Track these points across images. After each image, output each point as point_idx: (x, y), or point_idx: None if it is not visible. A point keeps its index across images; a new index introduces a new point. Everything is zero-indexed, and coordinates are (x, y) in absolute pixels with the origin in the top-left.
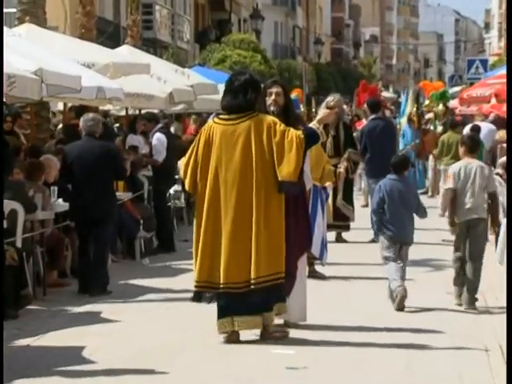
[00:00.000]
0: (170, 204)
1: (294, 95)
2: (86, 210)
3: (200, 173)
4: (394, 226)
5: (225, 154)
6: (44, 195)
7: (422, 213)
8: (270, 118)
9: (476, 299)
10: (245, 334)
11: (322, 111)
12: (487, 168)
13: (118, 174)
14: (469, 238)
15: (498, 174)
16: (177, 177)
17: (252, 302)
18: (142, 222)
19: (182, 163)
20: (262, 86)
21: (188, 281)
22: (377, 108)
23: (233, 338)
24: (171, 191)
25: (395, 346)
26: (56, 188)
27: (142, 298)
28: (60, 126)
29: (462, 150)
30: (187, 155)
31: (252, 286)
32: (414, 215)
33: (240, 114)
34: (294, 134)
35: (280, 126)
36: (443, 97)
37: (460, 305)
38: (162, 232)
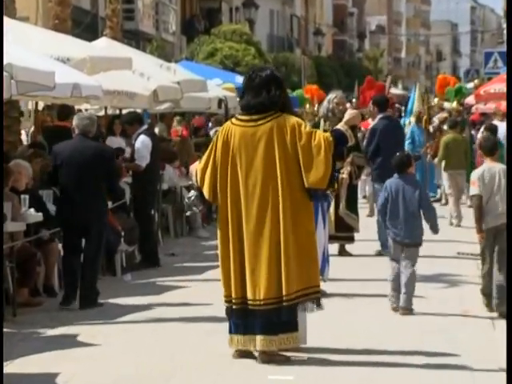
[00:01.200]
0: (189, 212)
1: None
2: (74, 214)
3: (220, 179)
4: (396, 227)
5: (245, 158)
6: (13, 204)
7: (430, 212)
8: (294, 119)
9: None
10: (239, 359)
11: (349, 112)
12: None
13: (111, 178)
14: (497, 246)
15: None
16: (190, 182)
17: (280, 321)
18: (123, 233)
19: (197, 168)
20: None
21: (175, 298)
22: (386, 106)
23: (243, 353)
24: (186, 198)
25: (405, 372)
26: (27, 196)
27: (123, 318)
28: (32, 128)
29: (479, 153)
30: (203, 160)
31: (284, 303)
32: (421, 215)
33: (261, 115)
34: (321, 136)
35: (306, 128)
36: (459, 93)
37: (492, 310)
38: (145, 245)
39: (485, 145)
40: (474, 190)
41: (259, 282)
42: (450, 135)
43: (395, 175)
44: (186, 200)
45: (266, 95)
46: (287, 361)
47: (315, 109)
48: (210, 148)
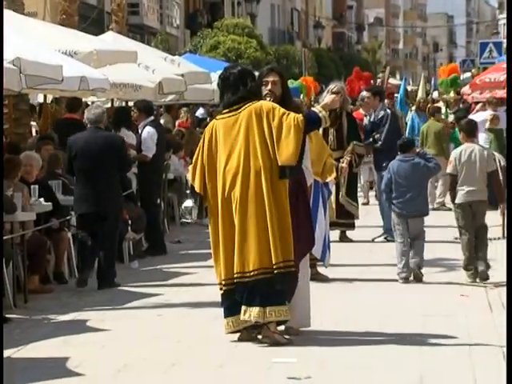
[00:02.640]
0: (182, 220)
1: (296, 84)
2: (90, 202)
3: (208, 173)
4: (401, 202)
5: (229, 145)
6: (23, 194)
7: (435, 169)
8: (269, 103)
9: (488, 275)
10: (243, 344)
11: (328, 96)
12: (487, 150)
13: (123, 167)
14: (476, 217)
15: None
16: (188, 192)
17: (271, 291)
18: (130, 222)
19: (189, 168)
20: (258, 74)
21: (181, 285)
22: (384, 96)
23: (247, 336)
24: (183, 207)
25: (406, 354)
26: (37, 187)
27: (131, 304)
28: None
29: (461, 135)
30: (194, 159)
31: (275, 271)
32: (424, 189)
33: (240, 105)
34: (292, 116)
35: (279, 110)
36: (454, 83)
37: (475, 282)
38: (151, 233)
39: (466, 128)
40: (449, 168)
41: (248, 255)
42: (429, 122)
43: (398, 156)
44: (182, 208)
45: (243, 88)
46: (290, 343)
47: (311, 100)
48: (199, 146)
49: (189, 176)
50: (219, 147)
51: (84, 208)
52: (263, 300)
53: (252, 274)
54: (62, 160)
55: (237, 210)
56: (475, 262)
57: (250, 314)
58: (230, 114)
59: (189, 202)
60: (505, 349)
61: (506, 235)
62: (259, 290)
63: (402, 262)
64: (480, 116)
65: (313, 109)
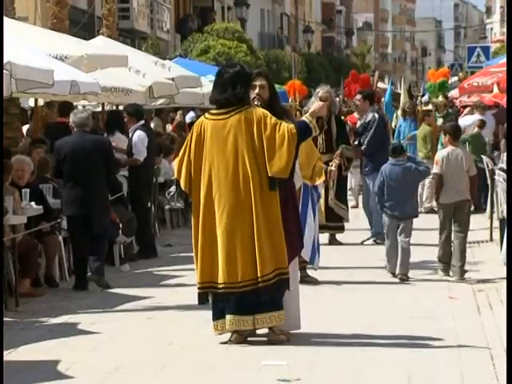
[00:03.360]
0: (168, 207)
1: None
2: (76, 205)
3: (193, 170)
4: (392, 204)
5: (216, 149)
6: (14, 198)
7: (425, 172)
8: (260, 111)
9: (465, 271)
10: (234, 346)
11: (315, 103)
12: (469, 154)
13: (110, 169)
14: (455, 217)
15: (502, 169)
16: (173, 178)
17: (259, 301)
18: (121, 225)
19: (175, 161)
20: None
21: (171, 287)
22: (374, 100)
23: (239, 339)
24: (166, 193)
25: (395, 356)
26: (28, 190)
27: (122, 307)
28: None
29: (446, 138)
30: (180, 153)
31: (260, 284)
32: (415, 192)
33: (229, 108)
34: (285, 127)
35: (271, 119)
36: (442, 88)
37: (449, 275)
38: (142, 236)
39: (451, 131)
40: (436, 168)
41: (236, 266)
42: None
43: (390, 160)
44: (166, 195)
45: (230, 91)
46: (289, 340)
47: (297, 104)
48: (185, 142)
49: (175, 169)
50: (206, 147)
51: (71, 210)
52: (252, 309)
53: (241, 284)
54: (51, 164)
55: (223, 216)
56: (449, 258)
57: (239, 323)
58: (219, 117)
59: (173, 188)
60: (493, 351)
61: (493, 238)
62: (247, 299)
63: (391, 261)
64: (468, 120)
65: (302, 118)
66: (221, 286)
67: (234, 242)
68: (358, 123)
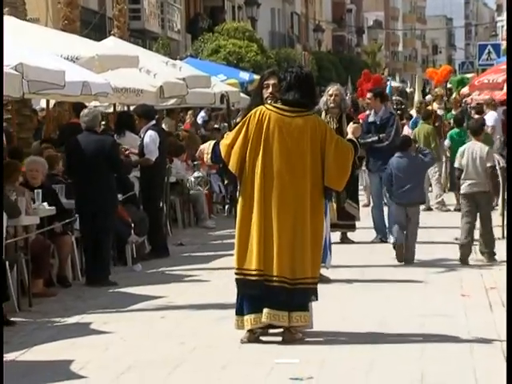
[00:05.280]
0: (191, 192)
1: None
2: (84, 203)
3: (249, 155)
4: (400, 193)
5: (278, 143)
6: (24, 198)
7: (429, 162)
8: (323, 121)
9: (495, 253)
10: (246, 345)
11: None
12: (487, 147)
13: (114, 168)
14: (478, 207)
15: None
16: (195, 163)
17: (292, 299)
18: (133, 225)
19: (222, 144)
20: (259, 77)
21: (183, 287)
22: (385, 98)
23: (251, 338)
24: (192, 178)
25: (407, 354)
26: (40, 191)
27: (134, 306)
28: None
29: (469, 133)
30: (231, 137)
31: (298, 286)
32: (422, 181)
33: (296, 109)
34: (346, 144)
35: (333, 133)
36: (461, 83)
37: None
38: (154, 236)
39: (472, 127)
40: (456, 163)
41: (293, 263)
42: (421, 126)
43: (396, 154)
44: (192, 179)
45: (309, 95)
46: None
47: None
48: (239, 127)
49: (222, 151)
50: (267, 137)
51: (78, 207)
52: (292, 306)
53: (297, 281)
54: (59, 162)
55: (280, 212)
56: (470, 248)
57: (275, 317)
58: (285, 114)
59: (199, 173)
60: (505, 347)
61: (505, 235)
62: (282, 296)
63: (395, 241)
64: (491, 118)
65: (350, 137)
66: (274, 278)
67: (281, 237)
68: (371, 118)
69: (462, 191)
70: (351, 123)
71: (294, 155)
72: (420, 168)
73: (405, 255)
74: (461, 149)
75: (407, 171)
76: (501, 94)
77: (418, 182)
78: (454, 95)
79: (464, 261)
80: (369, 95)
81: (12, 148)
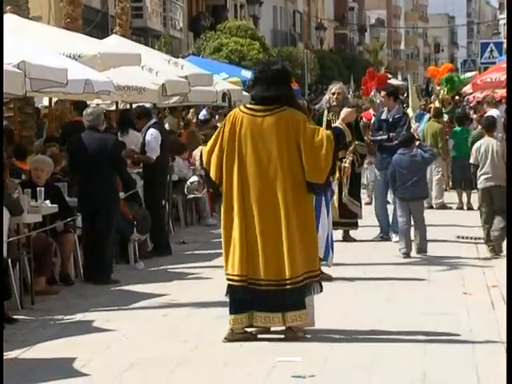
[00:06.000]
0: (189, 196)
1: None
2: (85, 201)
3: (225, 162)
4: (403, 188)
5: (251, 145)
6: (11, 193)
7: (430, 158)
8: (299, 115)
9: (501, 250)
10: (248, 343)
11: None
12: (503, 142)
13: (116, 167)
14: (494, 200)
15: None
16: (193, 167)
17: (283, 301)
18: (135, 223)
19: (203, 151)
20: None
21: (186, 285)
22: (398, 96)
23: (230, 336)
24: (188, 183)
25: (410, 352)
26: (43, 189)
27: (137, 304)
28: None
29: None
30: (210, 143)
31: (288, 286)
32: (424, 176)
33: (268, 107)
34: (324, 133)
35: (310, 124)
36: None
37: (497, 255)
38: (156, 234)
39: (485, 124)
40: (472, 159)
41: (262, 263)
42: (429, 123)
43: (399, 151)
44: (188, 183)
45: (275, 89)
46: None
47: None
48: (217, 132)
49: (203, 158)
50: (240, 141)
51: (81, 205)
52: (281, 307)
53: (263, 283)
54: (62, 161)
55: (256, 214)
56: (491, 237)
57: (266, 320)
58: (257, 114)
59: (194, 178)
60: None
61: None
62: (272, 298)
63: (403, 240)
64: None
65: (336, 124)
66: (262, 282)
67: (264, 240)
68: (384, 116)
69: (479, 186)
70: (345, 108)
71: (265, 158)
72: (420, 164)
73: (418, 245)
74: (476, 144)
75: (409, 167)
76: (503, 92)
77: (419, 177)
78: (442, 92)
79: (495, 254)
80: (382, 94)
81: (16, 146)
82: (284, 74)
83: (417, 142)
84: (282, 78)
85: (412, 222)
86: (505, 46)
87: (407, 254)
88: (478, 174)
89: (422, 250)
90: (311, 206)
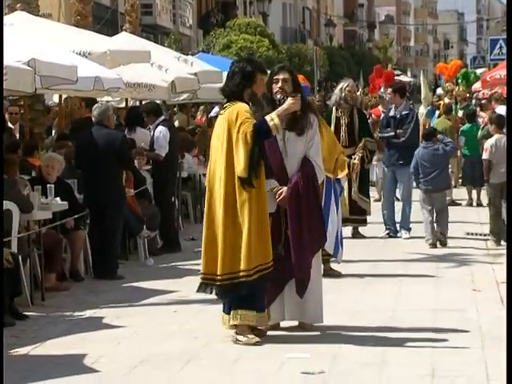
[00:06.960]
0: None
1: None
2: (92, 197)
3: (210, 166)
4: (426, 180)
5: (215, 145)
6: (20, 189)
7: (451, 151)
8: (237, 108)
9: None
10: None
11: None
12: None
13: (123, 163)
14: (503, 196)
15: None
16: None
17: (239, 296)
18: (145, 220)
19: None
20: (269, 72)
21: (195, 281)
22: (405, 93)
23: (263, 334)
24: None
25: (419, 348)
26: (53, 186)
27: (147, 301)
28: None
29: (492, 128)
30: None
31: (241, 279)
32: (446, 168)
33: (226, 104)
34: (244, 127)
35: (239, 121)
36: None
37: (500, 245)
38: (166, 230)
39: (496, 121)
40: (485, 154)
41: (219, 259)
42: (440, 119)
43: (422, 144)
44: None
45: (224, 85)
46: (259, 344)
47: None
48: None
49: None
50: (212, 145)
51: (87, 201)
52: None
53: (219, 278)
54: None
55: (217, 212)
56: (500, 230)
57: (223, 320)
58: (221, 112)
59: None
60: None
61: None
62: (227, 295)
63: (428, 231)
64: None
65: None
66: (203, 276)
67: (224, 236)
68: (392, 113)
69: (492, 181)
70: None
71: (219, 158)
72: (442, 157)
73: (440, 230)
74: (490, 141)
75: (431, 160)
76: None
77: (442, 169)
78: (458, 88)
79: (499, 243)
80: (388, 90)
81: (27, 143)
82: (240, 70)
83: (439, 136)
84: (236, 74)
85: (434, 214)
86: None
87: (434, 245)
88: (493, 169)
89: (443, 234)
90: (264, 199)
